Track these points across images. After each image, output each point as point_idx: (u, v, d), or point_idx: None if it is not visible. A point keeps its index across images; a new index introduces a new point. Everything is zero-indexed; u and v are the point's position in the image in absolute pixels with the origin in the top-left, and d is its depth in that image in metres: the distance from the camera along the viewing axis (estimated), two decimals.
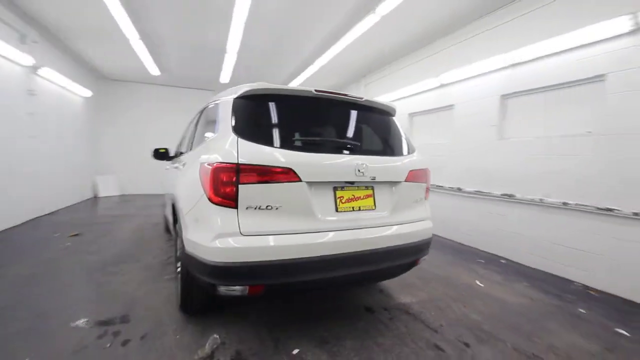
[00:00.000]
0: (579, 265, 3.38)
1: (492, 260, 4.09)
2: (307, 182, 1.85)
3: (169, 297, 2.71)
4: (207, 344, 2.06)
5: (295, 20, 5.05)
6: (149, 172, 9.57)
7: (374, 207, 2.09)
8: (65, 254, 3.79)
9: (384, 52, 6.39)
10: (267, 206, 1.78)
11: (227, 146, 1.80)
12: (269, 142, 1.86)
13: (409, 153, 2.40)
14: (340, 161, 1.98)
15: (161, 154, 4.18)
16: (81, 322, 2.26)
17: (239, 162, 1.73)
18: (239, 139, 1.81)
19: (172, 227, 2.90)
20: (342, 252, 1.90)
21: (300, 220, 1.85)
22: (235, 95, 2.02)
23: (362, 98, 2.27)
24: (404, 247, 2.17)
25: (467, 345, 2.17)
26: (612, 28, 3.07)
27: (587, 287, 3.23)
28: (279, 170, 1.79)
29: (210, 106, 2.69)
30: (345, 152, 2.07)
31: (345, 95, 2.20)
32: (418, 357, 2.01)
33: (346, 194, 2.00)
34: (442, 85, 5.46)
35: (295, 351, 2.02)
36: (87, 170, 8.29)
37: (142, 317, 2.37)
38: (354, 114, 2.28)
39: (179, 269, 2.52)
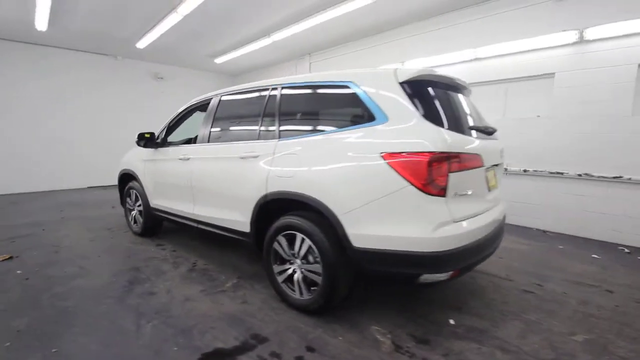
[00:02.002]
0: (534, 216, 4.59)
1: None
2: (485, 167, 2.00)
3: (266, 303, 2.40)
4: (379, 337, 2.02)
5: None
6: (19, 163, 7.14)
7: (496, 186, 2.41)
8: (42, 288, 2.69)
9: (343, 35, 6.48)
10: (464, 192, 1.86)
11: (429, 134, 1.76)
12: (453, 128, 1.90)
13: None
14: (496, 146, 2.20)
15: (147, 140, 3.42)
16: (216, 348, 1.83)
17: (450, 150, 1.74)
18: (437, 126, 1.79)
19: (251, 229, 2.49)
20: (496, 226, 2.16)
21: (480, 202, 2.00)
22: (401, 79, 1.93)
23: (467, 83, 2.46)
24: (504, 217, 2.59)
25: (540, 285, 2.81)
26: (563, 38, 4.13)
27: (544, 231, 4.46)
28: (473, 156, 1.88)
29: (300, 93, 2.42)
30: (492, 137, 2.28)
31: (464, 81, 2.37)
32: (525, 301, 2.52)
33: (489, 175, 2.24)
34: None
35: (452, 321, 2.21)
36: None
37: (273, 331, 2.07)
38: (470, 100, 2.47)
39: (292, 270, 2.29)
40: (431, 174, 1.71)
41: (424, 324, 2.18)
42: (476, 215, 1.97)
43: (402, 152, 1.76)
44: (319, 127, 2.25)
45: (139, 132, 3.40)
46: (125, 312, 2.31)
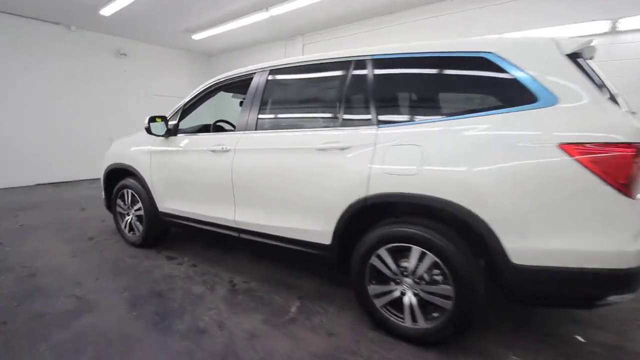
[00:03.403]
0: None
1: None
2: None
3: (359, 334, 1.91)
4: None
5: None
6: None
7: None
8: (34, 335, 1.91)
9: (344, 14, 5.93)
10: None
11: (621, 120, 1.40)
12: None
13: None
14: None
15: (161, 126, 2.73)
16: None
17: None
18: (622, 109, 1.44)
19: (334, 241, 1.96)
20: None
21: None
22: (567, 50, 1.54)
23: None
24: None
25: None
26: (596, 28, 4.06)
27: None
28: None
29: (409, 68, 1.88)
30: None
31: None
32: (624, 304, 2.33)
33: None
34: None
35: (580, 338, 1.92)
36: None
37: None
38: None
39: (399, 292, 1.81)
40: (634, 170, 1.34)
41: (556, 344, 1.86)
42: None
43: (592, 143, 1.37)
44: (448, 111, 1.77)
45: (150, 116, 2.62)
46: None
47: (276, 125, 2.31)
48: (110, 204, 3.44)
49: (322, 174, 1.97)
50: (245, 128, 2.36)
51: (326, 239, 2.00)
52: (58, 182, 7.09)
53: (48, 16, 6.18)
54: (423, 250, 1.69)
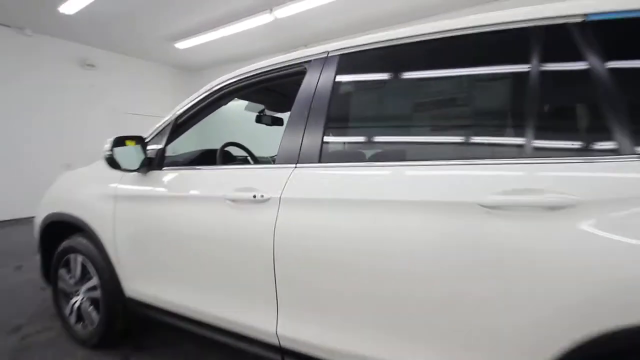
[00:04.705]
0: None
1: None
2: None
3: None
4: None
5: None
6: None
7: None
8: None
9: (355, 23, 5.13)
10: None
11: None
12: None
13: None
14: None
15: (128, 156, 1.58)
16: None
17: None
18: None
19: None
20: None
21: None
22: None
23: None
24: None
25: None
26: None
27: None
28: None
29: None
30: None
31: None
32: None
33: None
34: None
35: None
36: None
37: None
38: None
39: None
40: None
41: None
42: None
43: None
44: None
45: (115, 137, 1.49)
46: None
47: (362, 156, 1.25)
48: (49, 276, 2.19)
49: (500, 263, 0.90)
50: (297, 160, 1.28)
51: None
52: None
53: (15, 21, 4.95)
54: None
